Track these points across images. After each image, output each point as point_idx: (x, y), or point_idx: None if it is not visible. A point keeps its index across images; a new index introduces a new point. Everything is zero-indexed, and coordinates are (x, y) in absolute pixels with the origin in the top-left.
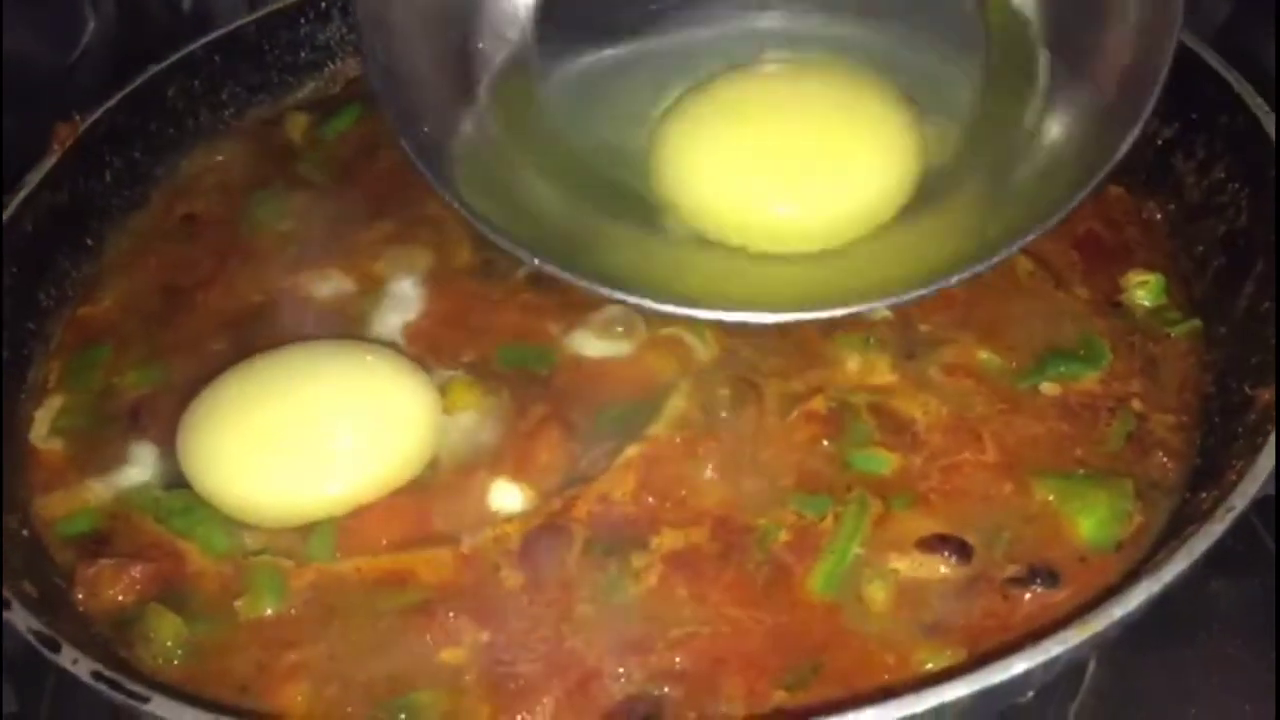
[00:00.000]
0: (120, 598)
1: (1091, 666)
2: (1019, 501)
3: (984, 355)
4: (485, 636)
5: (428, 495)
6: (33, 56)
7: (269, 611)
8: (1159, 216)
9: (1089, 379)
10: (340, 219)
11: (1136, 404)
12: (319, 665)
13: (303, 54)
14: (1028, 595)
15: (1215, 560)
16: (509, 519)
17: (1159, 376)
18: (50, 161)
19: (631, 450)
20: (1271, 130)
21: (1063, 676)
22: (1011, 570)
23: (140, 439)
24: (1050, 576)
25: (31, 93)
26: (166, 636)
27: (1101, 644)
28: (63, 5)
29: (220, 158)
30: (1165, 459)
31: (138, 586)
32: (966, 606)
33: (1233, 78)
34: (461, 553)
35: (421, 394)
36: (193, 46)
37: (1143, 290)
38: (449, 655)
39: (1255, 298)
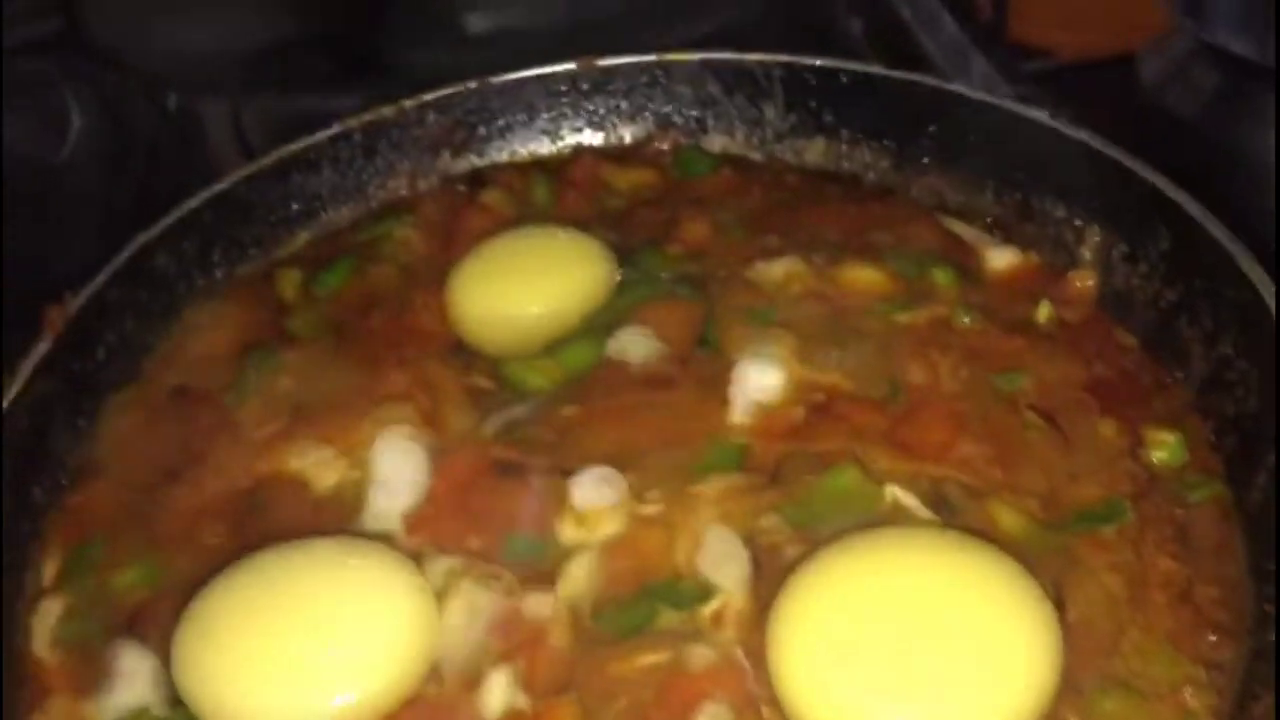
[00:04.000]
0: None
1: None
2: None
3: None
4: None
5: (428, 707)
6: (19, 153)
7: None
8: (1173, 378)
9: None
10: (331, 384)
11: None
12: None
13: (294, 205)
14: None
15: None
16: None
17: (1191, 543)
18: (43, 348)
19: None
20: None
21: None
22: None
23: (139, 650)
24: None
25: (21, 197)
26: None
27: None
28: (48, 103)
29: (210, 321)
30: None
31: None
32: None
33: (1237, 249)
34: None
35: (412, 599)
36: (183, 210)
37: (1163, 451)
38: None
39: (1268, 489)
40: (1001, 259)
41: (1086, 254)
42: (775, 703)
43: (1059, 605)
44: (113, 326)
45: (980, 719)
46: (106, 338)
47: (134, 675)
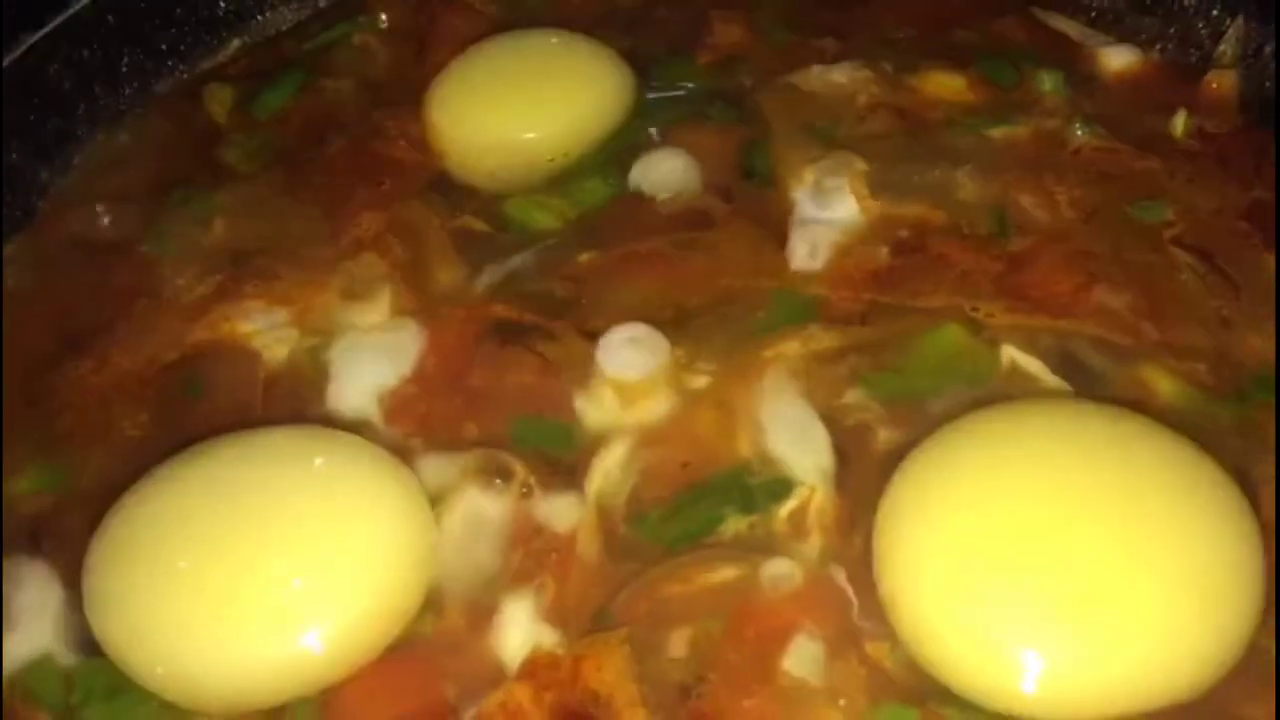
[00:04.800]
0: None
1: None
2: None
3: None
4: None
5: (427, 648)
6: None
7: None
8: None
9: None
10: (282, 230)
11: None
12: None
13: (220, 3)
14: None
15: None
16: (523, 676)
17: None
18: None
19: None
20: None
21: None
22: None
23: (42, 576)
24: None
25: None
26: None
27: None
28: None
29: (121, 151)
30: None
31: None
32: None
33: None
34: None
35: (398, 507)
36: (79, 4)
37: None
38: None
39: None
40: (1119, 59)
41: (1225, 51)
42: (884, 636)
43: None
44: None
45: (1168, 649)
46: None
47: (34, 611)
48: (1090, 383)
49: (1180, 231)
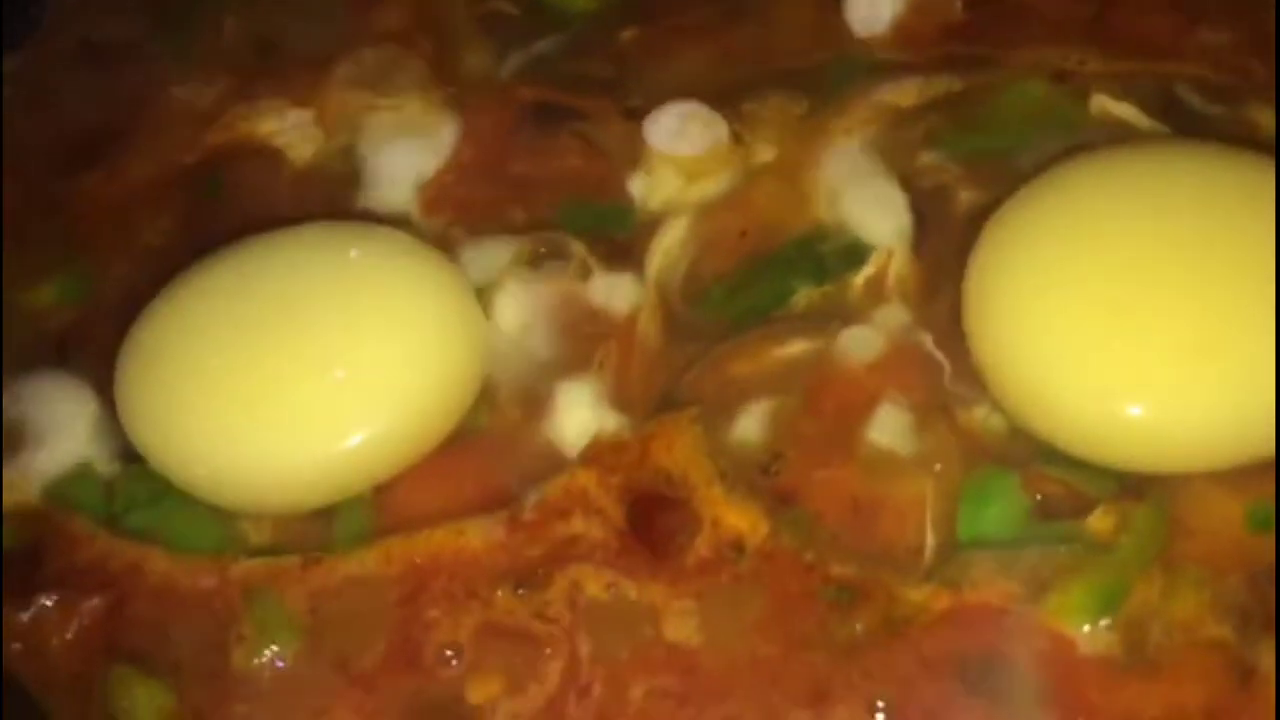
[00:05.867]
0: (72, 655)
1: None
2: None
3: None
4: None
5: (483, 440)
6: None
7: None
8: None
9: None
10: (298, 24)
11: None
12: None
13: None
14: None
15: None
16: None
17: None
18: None
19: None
20: None
21: None
22: None
23: (72, 389)
24: None
25: None
26: (146, 715)
27: None
28: None
29: None
30: None
31: (95, 633)
32: None
33: None
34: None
35: (445, 296)
36: None
37: None
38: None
39: None
40: None
41: None
42: (978, 401)
43: None
44: None
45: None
46: None
47: (68, 423)
48: (1191, 125)
49: None
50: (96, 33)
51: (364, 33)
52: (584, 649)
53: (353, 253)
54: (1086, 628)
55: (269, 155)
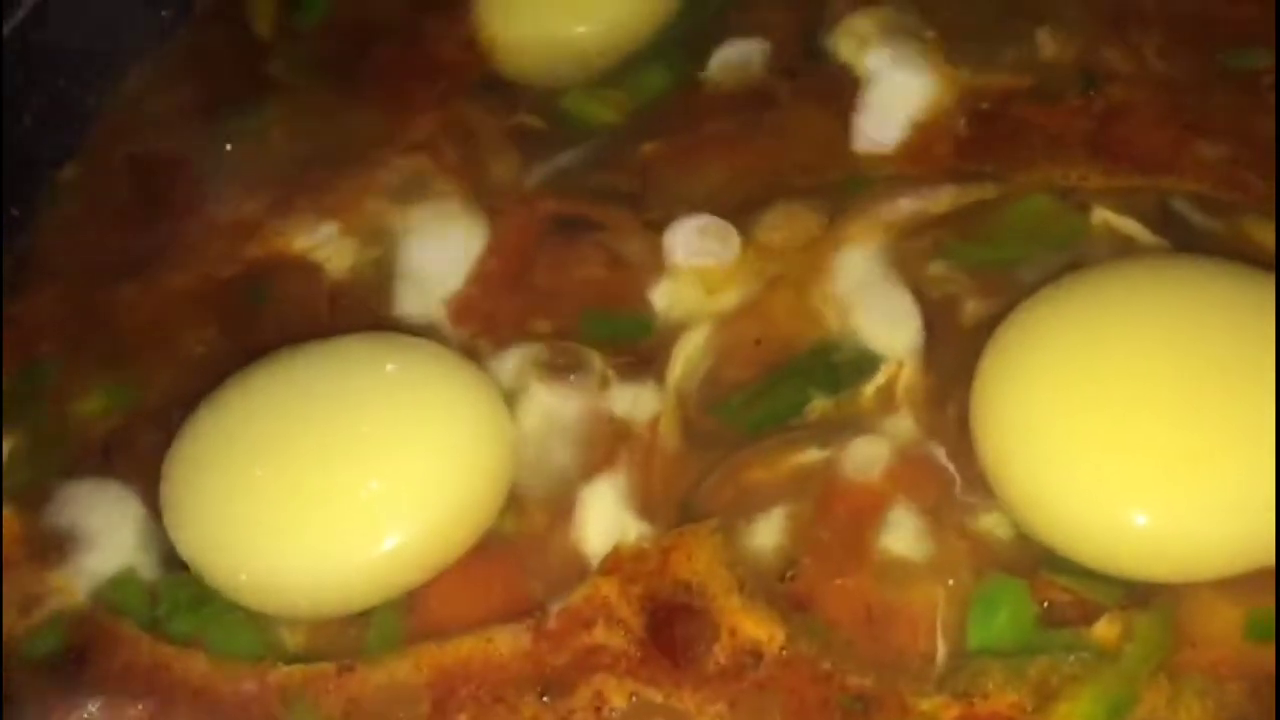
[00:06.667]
0: None
1: None
2: None
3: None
4: None
5: (509, 547)
6: None
7: None
8: None
9: None
10: (335, 140)
11: None
12: None
13: None
14: None
15: None
16: (609, 570)
17: None
18: None
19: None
20: None
21: None
22: None
23: (116, 494)
24: None
25: None
26: None
27: None
28: None
29: (168, 71)
30: None
31: None
32: None
33: None
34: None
35: (475, 405)
36: None
37: None
38: None
39: None
40: None
41: None
42: (986, 508)
43: None
44: (40, 81)
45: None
46: (32, 99)
47: (113, 529)
48: (1190, 239)
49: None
50: (143, 148)
51: (396, 145)
52: None
53: (389, 367)
54: None
55: (308, 268)
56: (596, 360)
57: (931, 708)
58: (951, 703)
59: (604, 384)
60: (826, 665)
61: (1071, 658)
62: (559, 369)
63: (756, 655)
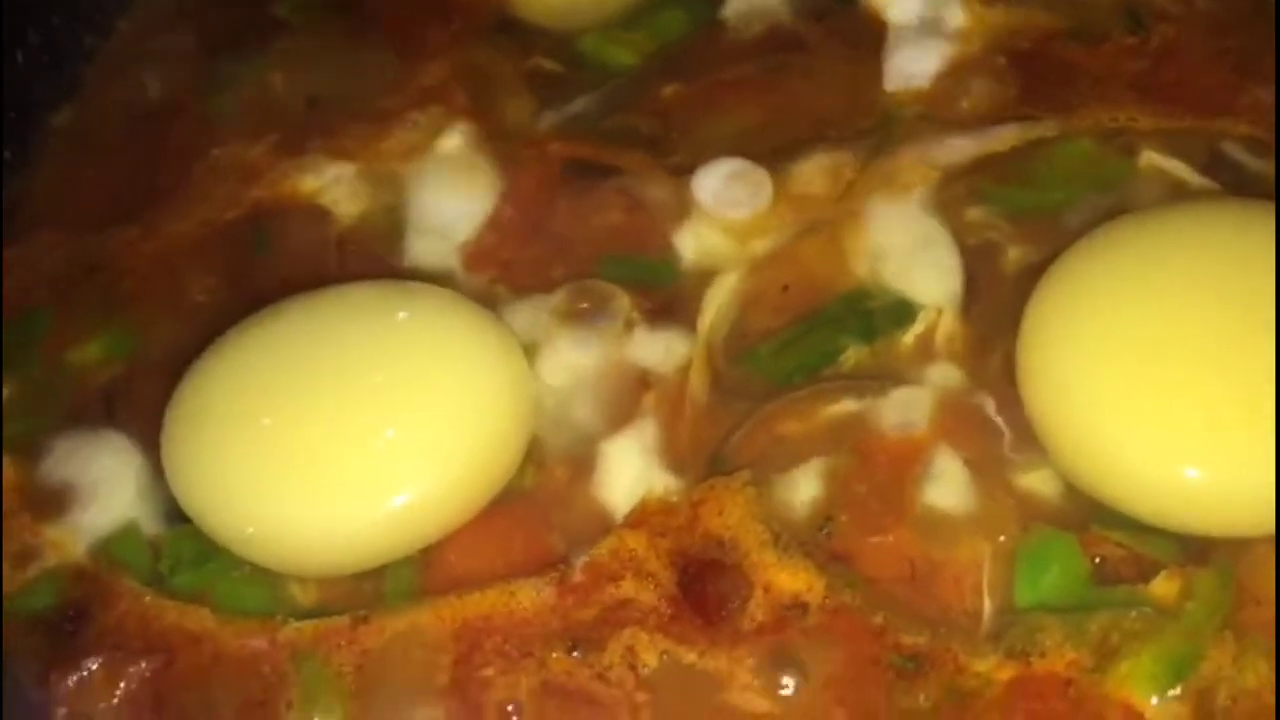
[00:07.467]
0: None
1: None
2: None
3: None
4: None
5: (529, 501)
6: None
7: None
8: None
9: None
10: (342, 80)
11: None
12: None
13: None
14: None
15: None
16: (635, 523)
17: None
18: None
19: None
20: None
21: None
22: None
23: (118, 446)
24: None
25: None
26: None
27: None
28: None
29: (167, 11)
30: None
31: (141, 698)
32: None
33: None
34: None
35: (493, 355)
36: None
37: None
38: None
39: None
40: None
41: None
42: (1033, 461)
43: None
44: (33, 21)
45: None
46: (28, 38)
47: (113, 481)
48: (1239, 181)
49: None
50: (138, 92)
51: (409, 90)
52: (646, 714)
53: (401, 315)
54: (1155, 699)
55: (315, 213)
56: (623, 300)
57: (986, 668)
58: (1006, 662)
59: (629, 328)
60: (878, 620)
61: (1133, 613)
62: (582, 314)
63: (801, 606)
